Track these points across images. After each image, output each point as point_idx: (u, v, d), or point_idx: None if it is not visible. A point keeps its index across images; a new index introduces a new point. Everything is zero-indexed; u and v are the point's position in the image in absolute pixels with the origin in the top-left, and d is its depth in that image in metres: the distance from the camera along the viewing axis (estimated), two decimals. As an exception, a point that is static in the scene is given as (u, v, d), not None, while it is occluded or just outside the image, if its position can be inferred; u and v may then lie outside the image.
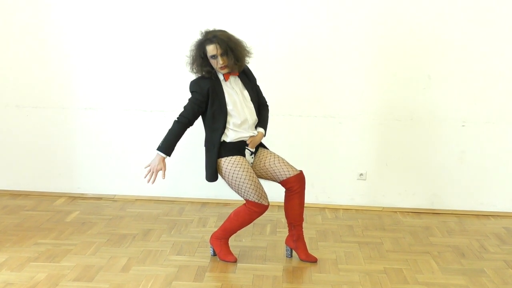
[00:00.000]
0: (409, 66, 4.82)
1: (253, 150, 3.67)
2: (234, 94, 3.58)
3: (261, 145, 3.79)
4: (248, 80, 3.69)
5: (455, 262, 3.84)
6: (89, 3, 4.91)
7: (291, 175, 3.65)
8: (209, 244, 3.87)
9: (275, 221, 4.57)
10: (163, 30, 4.88)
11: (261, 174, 3.71)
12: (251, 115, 3.62)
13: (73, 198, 5.13)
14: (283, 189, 5.00)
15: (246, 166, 3.55)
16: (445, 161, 4.93)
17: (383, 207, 5.01)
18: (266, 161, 3.69)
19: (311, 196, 5.02)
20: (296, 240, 3.78)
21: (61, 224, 4.44)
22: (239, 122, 3.56)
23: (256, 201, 3.56)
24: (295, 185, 3.67)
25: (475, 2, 4.69)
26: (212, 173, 3.59)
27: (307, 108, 4.90)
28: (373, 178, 5.00)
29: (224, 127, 3.55)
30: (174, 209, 4.90)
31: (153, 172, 3.53)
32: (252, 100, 3.65)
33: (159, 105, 4.99)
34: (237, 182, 3.53)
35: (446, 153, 4.91)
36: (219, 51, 3.46)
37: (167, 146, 3.52)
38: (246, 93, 3.63)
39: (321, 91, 4.90)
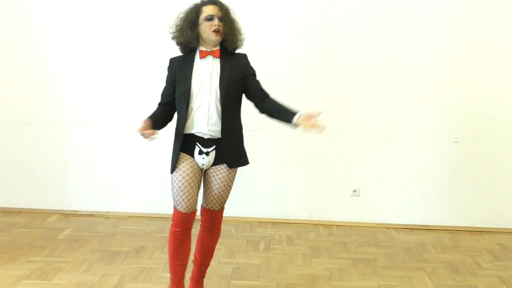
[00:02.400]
0: (402, 82, 4.85)
1: (205, 150, 3.14)
2: (203, 75, 3.11)
3: (231, 163, 3.19)
4: (230, 69, 3.15)
5: (449, 279, 3.84)
6: (80, 19, 4.93)
7: (204, 207, 3.28)
8: None
9: (268, 238, 4.56)
10: (159, 48, 4.88)
11: (202, 186, 3.29)
12: (211, 105, 3.09)
13: (66, 215, 5.10)
14: (276, 205, 5.02)
15: (184, 169, 3.13)
16: (438, 177, 4.94)
17: (377, 223, 5.01)
18: (213, 185, 3.21)
19: (304, 213, 5.02)
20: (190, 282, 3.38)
21: (54, 242, 4.41)
22: (195, 107, 3.09)
23: (175, 206, 3.14)
24: (202, 218, 3.30)
25: (468, 19, 4.74)
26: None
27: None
28: (367, 194, 5.00)
29: (186, 112, 3.10)
30: (167, 225, 4.86)
31: (143, 133, 3.10)
32: (221, 88, 3.10)
33: (152, 121, 4.98)
34: (171, 180, 3.17)
35: (439, 169, 4.93)
36: (219, 13, 3.09)
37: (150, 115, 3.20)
38: (216, 76, 3.11)
39: (314, 108, 4.90)
